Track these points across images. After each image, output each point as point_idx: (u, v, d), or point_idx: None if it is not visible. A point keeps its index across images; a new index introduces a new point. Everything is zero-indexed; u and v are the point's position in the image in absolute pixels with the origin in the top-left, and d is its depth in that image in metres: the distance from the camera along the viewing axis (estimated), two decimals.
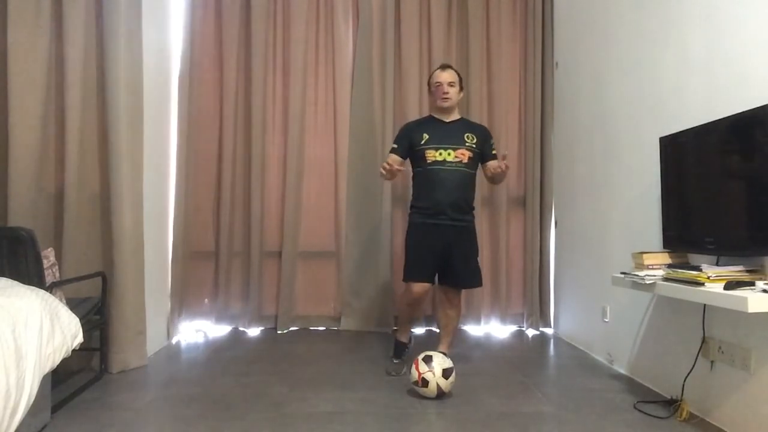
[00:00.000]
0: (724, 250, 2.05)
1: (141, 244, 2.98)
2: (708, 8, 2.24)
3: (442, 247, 2.79)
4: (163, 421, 2.19)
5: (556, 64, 3.92)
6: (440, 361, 2.46)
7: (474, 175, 2.89)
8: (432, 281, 2.86)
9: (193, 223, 3.88)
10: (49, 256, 2.40)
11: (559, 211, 3.89)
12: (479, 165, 2.92)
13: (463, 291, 3.68)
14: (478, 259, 2.95)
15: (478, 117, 3.93)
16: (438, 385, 2.41)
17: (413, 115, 3.79)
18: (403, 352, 3.00)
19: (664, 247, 2.36)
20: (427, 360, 2.46)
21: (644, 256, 2.31)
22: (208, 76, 3.95)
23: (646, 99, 2.70)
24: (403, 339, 3.02)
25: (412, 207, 2.91)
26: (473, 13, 3.98)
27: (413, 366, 2.48)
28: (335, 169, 4.01)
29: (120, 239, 2.82)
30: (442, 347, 2.91)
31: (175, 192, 3.72)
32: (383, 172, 2.67)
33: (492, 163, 2.85)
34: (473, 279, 2.92)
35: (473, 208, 2.92)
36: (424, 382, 2.42)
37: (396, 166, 2.68)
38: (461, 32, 4.03)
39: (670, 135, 2.34)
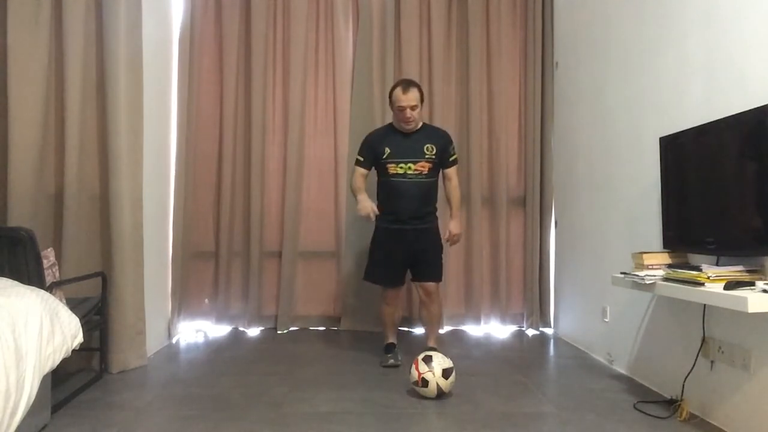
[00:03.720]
0: (724, 250, 2.05)
1: (141, 244, 2.98)
2: (708, 8, 2.24)
3: (406, 249, 2.94)
4: (163, 421, 2.19)
5: (556, 64, 3.92)
6: (440, 362, 2.46)
7: (435, 182, 3.00)
8: (399, 283, 3.02)
9: (193, 224, 3.88)
10: (49, 256, 2.40)
11: (559, 211, 3.89)
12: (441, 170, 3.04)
13: (462, 290, 3.69)
14: (443, 255, 3.05)
15: (478, 117, 3.95)
16: (438, 385, 2.42)
17: None
18: (393, 349, 3.08)
19: (664, 247, 2.36)
20: (427, 360, 2.46)
21: (644, 256, 2.31)
22: (208, 76, 3.95)
23: (646, 99, 2.70)
24: (391, 339, 3.12)
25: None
26: (473, 13, 3.97)
27: (413, 366, 2.48)
28: (335, 169, 4.01)
29: (120, 239, 2.82)
30: (430, 342, 3.03)
31: (175, 192, 3.72)
32: (362, 214, 2.88)
33: (451, 227, 3.01)
34: (433, 274, 2.98)
35: (435, 210, 3.03)
36: (424, 382, 2.43)
37: (373, 214, 2.86)
38: (461, 32, 4.03)
39: (670, 135, 2.34)
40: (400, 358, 2.96)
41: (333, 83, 4.01)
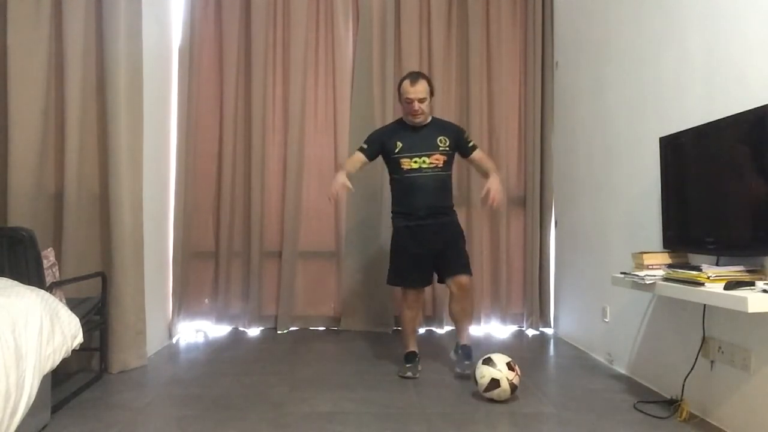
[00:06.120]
0: (724, 250, 2.05)
1: (141, 245, 2.98)
2: (708, 8, 2.24)
3: (429, 245, 2.80)
4: (163, 421, 2.19)
5: (556, 64, 3.92)
6: (500, 358, 2.42)
7: (450, 176, 2.91)
8: (426, 282, 2.87)
9: (193, 224, 3.88)
10: (49, 256, 2.40)
11: (559, 211, 3.89)
12: (467, 159, 2.97)
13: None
14: (466, 248, 2.91)
15: (478, 117, 3.95)
16: (508, 379, 2.36)
17: None
18: (414, 358, 2.91)
19: (664, 247, 2.36)
20: (488, 362, 2.41)
21: (644, 256, 2.31)
22: (208, 76, 3.95)
23: (646, 99, 2.70)
24: (412, 348, 2.95)
25: (393, 212, 2.92)
26: (473, 13, 3.97)
27: (475, 373, 2.44)
28: (335, 169, 3.99)
29: (120, 239, 2.82)
30: (463, 340, 2.86)
31: (175, 192, 3.72)
32: (331, 191, 2.73)
33: (490, 182, 2.81)
34: (465, 266, 2.83)
35: (453, 206, 2.94)
36: (495, 383, 2.36)
37: (342, 190, 2.73)
38: (461, 32, 4.03)
39: (670, 135, 2.34)
40: (419, 369, 2.82)
41: (333, 83, 4.01)
